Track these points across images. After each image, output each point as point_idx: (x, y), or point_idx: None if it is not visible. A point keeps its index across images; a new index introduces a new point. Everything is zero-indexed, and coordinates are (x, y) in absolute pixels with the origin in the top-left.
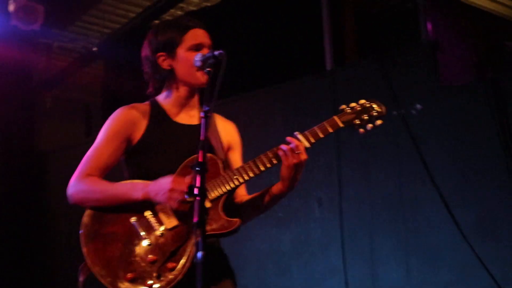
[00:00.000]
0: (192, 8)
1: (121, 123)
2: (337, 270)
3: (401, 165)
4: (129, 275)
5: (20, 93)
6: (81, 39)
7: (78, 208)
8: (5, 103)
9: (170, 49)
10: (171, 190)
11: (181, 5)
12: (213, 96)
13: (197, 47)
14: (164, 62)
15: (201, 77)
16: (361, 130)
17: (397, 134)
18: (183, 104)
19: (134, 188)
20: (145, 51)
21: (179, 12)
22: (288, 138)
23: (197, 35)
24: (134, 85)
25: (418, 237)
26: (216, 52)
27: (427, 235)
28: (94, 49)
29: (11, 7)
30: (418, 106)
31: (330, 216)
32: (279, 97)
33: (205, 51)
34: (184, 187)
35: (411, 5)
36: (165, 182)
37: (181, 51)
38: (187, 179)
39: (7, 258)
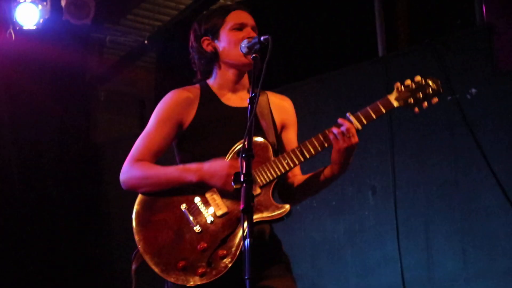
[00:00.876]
0: None
1: (172, 106)
2: (392, 258)
3: (456, 151)
4: (180, 263)
5: (74, 87)
6: (133, 33)
7: (133, 198)
8: (60, 97)
9: (214, 32)
10: (228, 175)
11: None
12: (260, 81)
13: (240, 26)
14: (208, 46)
15: (244, 58)
16: (416, 109)
17: (451, 119)
18: (232, 87)
19: (188, 170)
20: (191, 41)
21: (229, 3)
22: (340, 120)
23: (239, 15)
24: (186, 77)
25: (475, 224)
26: (262, 37)
27: (484, 222)
28: (145, 42)
29: (63, 2)
30: (473, 90)
31: (384, 204)
32: (331, 84)
33: (248, 30)
34: None
35: None
36: (221, 166)
37: (224, 32)
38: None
39: (65, 247)
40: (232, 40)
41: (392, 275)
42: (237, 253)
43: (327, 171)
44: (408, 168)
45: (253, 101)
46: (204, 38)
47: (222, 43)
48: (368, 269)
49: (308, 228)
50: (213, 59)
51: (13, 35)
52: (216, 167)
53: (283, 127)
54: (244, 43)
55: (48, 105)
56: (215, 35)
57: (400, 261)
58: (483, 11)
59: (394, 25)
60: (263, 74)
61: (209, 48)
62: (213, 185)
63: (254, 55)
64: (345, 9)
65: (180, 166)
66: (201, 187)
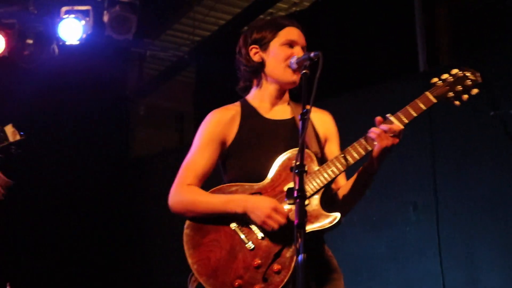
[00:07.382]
0: (281, 13)
1: (214, 126)
2: (434, 275)
3: (500, 167)
4: (236, 283)
5: (115, 101)
6: (172, 48)
7: (172, 213)
8: (100, 111)
9: (264, 43)
10: (269, 217)
11: (270, 10)
12: (312, 98)
13: (290, 43)
14: (256, 55)
15: (291, 75)
16: (457, 102)
17: (494, 135)
18: (272, 102)
19: (233, 201)
20: (239, 46)
21: (268, 18)
22: (378, 119)
23: (292, 32)
24: (225, 92)
25: None
26: (312, 54)
27: None
28: (185, 57)
29: (106, 18)
30: None
31: (426, 220)
32: (371, 99)
33: (298, 49)
34: (281, 219)
35: (509, 2)
36: (264, 205)
37: (274, 45)
38: (286, 212)
39: (104, 263)
40: (281, 55)
41: None
42: (292, 265)
43: (368, 169)
44: (451, 184)
45: (304, 117)
46: (253, 46)
47: (270, 56)
48: (410, 285)
49: (348, 243)
50: (258, 69)
51: (56, 51)
52: (259, 205)
53: (326, 139)
54: (294, 59)
55: (89, 118)
56: (264, 46)
57: (442, 278)
58: None
59: (436, 39)
60: (315, 90)
61: (256, 58)
62: (253, 220)
63: (304, 71)
64: (386, 23)
65: (226, 196)
66: None
